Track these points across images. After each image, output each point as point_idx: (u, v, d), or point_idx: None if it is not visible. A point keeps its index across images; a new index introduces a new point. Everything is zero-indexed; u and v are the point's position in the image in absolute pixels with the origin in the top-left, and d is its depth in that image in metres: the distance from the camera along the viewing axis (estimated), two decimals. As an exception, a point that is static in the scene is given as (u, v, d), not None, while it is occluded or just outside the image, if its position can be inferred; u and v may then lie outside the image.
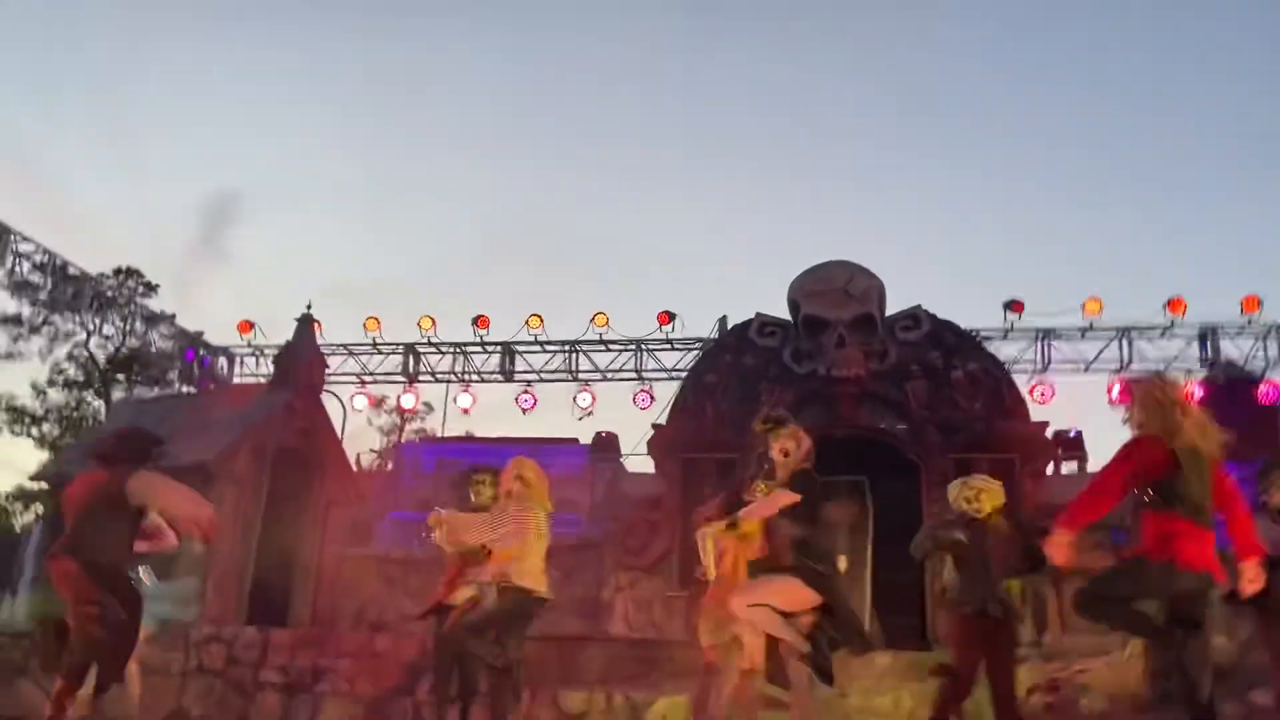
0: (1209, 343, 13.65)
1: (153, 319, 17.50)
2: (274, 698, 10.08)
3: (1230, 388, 16.23)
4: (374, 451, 26.28)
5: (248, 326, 15.08)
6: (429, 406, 20.63)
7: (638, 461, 15.39)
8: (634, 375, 14.67)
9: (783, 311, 12.33)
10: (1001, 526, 5.90)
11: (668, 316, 14.23)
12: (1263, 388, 14.36)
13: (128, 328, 15.95)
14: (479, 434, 24.62)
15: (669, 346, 14.52)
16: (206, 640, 10.09)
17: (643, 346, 14.64)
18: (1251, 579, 4.32)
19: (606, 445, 14.62)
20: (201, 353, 15.43)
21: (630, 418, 15.11)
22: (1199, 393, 14.13)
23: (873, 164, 58.03)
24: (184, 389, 17.94)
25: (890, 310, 12.11)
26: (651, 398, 14.24)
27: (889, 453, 11.68)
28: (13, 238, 12.43)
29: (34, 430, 24.73)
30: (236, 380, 15.54)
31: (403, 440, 22.85)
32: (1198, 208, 56.33)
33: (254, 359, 15.44)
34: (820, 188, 59.30)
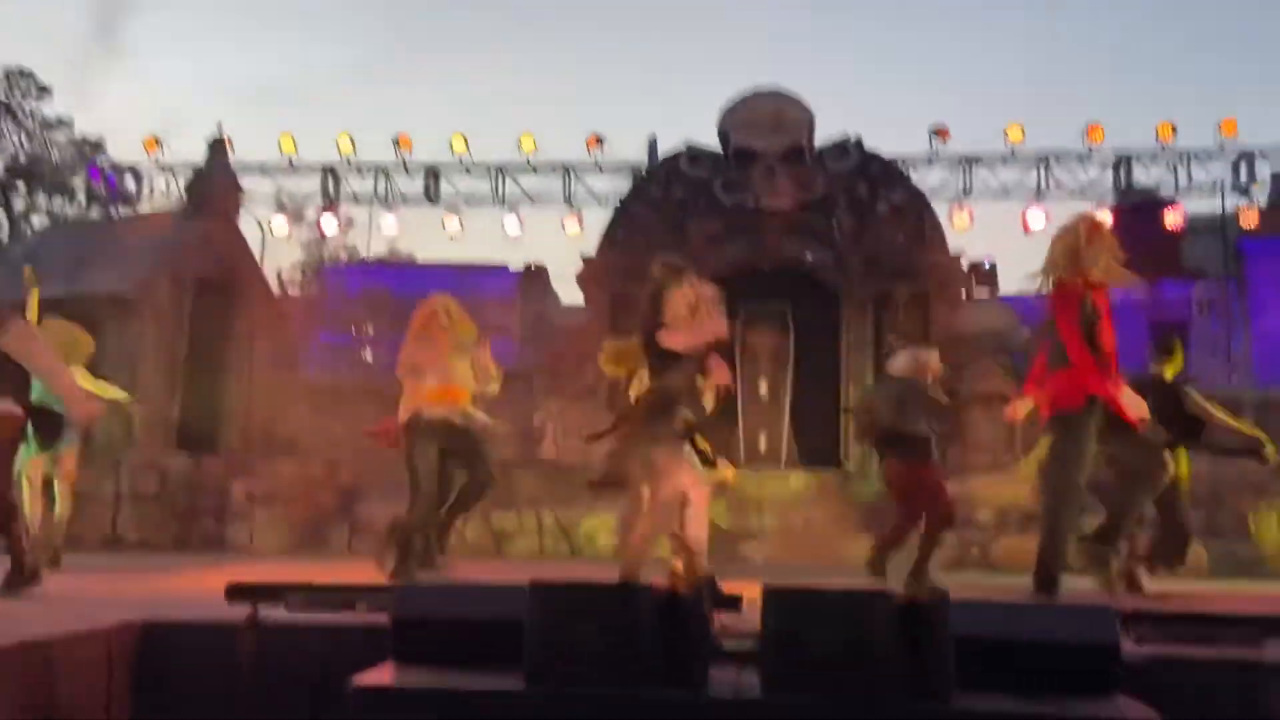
0: (1122, 170, 13.97)
1: (48, 125, 16.52)
2: (210, 521, 10.36)
3: (1138, 211, 16.85)
4: (295, 271, 25.86)
5: (154, 144, 14.38)
6: (351, 222, 20.17)
7: (566, 287, 15.53)
8: (562, 200, 14.52)
9: (712, 140, 12.23)
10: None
11: (597, 140, 13.96)
12: (1169, 212, 14.93)
13: (21, 134, 15.02)
14: (404, 257, 24.38)
15: (598, 171, 14.33)
16: (138, 467, 10.21)
17: (571, 171, 14.43)
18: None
19: (535, 276, 14.62)
20: (107, 170, 14.71)
21: (559, 243, 15.07)
22: (1110, 218, 14.63)
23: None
24: (86, 202, 17.25)
25: (819, 140, 12.10)
26: (580, 223, 14.19)
27: (812, 282, 11.98)
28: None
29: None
30: (145, 200, 14.96)
31: (326, 263, 22.39)
32: (1115, 36, 56.09)
33: (164, 179, 14.81)
34: (749, 5, 57.23)
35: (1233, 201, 14.60)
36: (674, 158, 12.32)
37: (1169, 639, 2.93)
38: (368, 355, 17.55)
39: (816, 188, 11.89)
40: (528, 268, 15.03)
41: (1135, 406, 4.93)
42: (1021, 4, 57.26)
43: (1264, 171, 13.80)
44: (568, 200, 14.46)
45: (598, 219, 13.95)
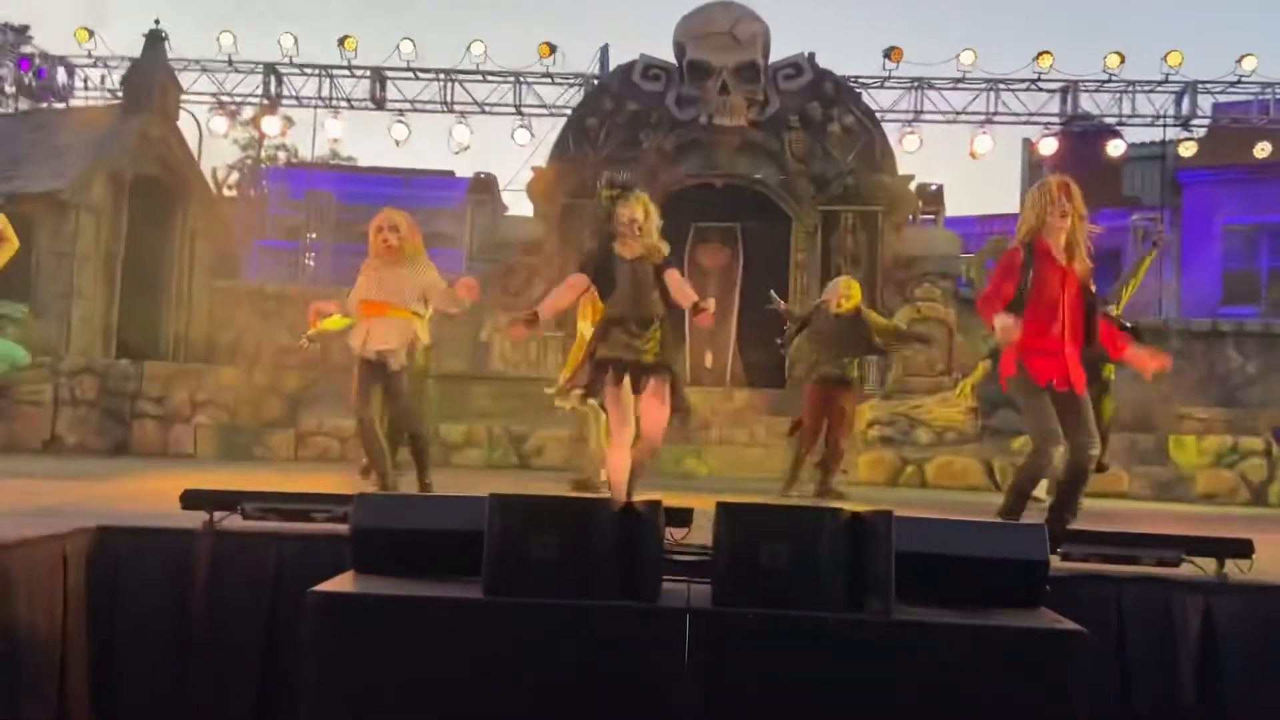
0: (1069, 97, 14.11)
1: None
2: (152, 427, 10.24)
3: (1081, 139, 17.10)
4: (232, 169, 25.08)
5: (86, 34, 13.77)
6: (290, 121, 19.56)
7: (516, 197, 15.34)
8: (513, 109, 14.26)
9: (667, 53, 12.06)
10: (853, 318, 7.07)
11: (549, 48, 13.67)
12: (1111, 141, 15.18)
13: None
14: (349, 161, 23.77)
15: (549, 81, 14.07)
16: (77, 371, 10.02)
17: (522, 79, 14.14)
18: None
19: (485, 186, 14.41)
20: (37, 62, 14.06)
21: (509, 152, 14.86)
22: (1054, 144, 14.84)
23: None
24: (13, 95, 16.50)
25: (775, 56, 11.99)
26: (531, 133, 13.98)
27: (762, 201, 12.00)
28: None
29: None
30: (78, 95, 14.35)
31: (264, 164, 21.77)
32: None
33: (98, 72, 14.21)
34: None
35: (1174, 132, 14.91)
36: (628, 69, 12.13)
37: (1094, 558, 3.12)
38: (309, 260, 17.26)
39: (770, 105, 11.82)
40: (477, 177, 14.79)
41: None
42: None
43: (1206, 105, 14.06)
44: (518, 109, 14.22)
45: (548, 130, 13.80)
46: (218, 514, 3.72)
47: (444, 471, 9.02)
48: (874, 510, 2.87)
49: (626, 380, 4.69)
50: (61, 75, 14.18)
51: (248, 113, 17.07)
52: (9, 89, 17.38)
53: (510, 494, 3.10)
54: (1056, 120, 14.48)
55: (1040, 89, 13.95)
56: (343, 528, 3.40)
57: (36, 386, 10.41)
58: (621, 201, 4.74)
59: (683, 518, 3.66)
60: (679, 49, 11.73)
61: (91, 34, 13.72)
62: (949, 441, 10.20)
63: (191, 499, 3.86)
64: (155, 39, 11.79)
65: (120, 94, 12.52)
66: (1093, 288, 4.39)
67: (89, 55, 14.05)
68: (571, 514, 3.10)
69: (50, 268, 10.32)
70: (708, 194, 11.81)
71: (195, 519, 3.72)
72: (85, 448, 9.71)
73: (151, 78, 11.39)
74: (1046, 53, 13.60)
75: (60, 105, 14.09)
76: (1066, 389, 4.23)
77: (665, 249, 4.66)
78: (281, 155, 30.95)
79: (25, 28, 15.04)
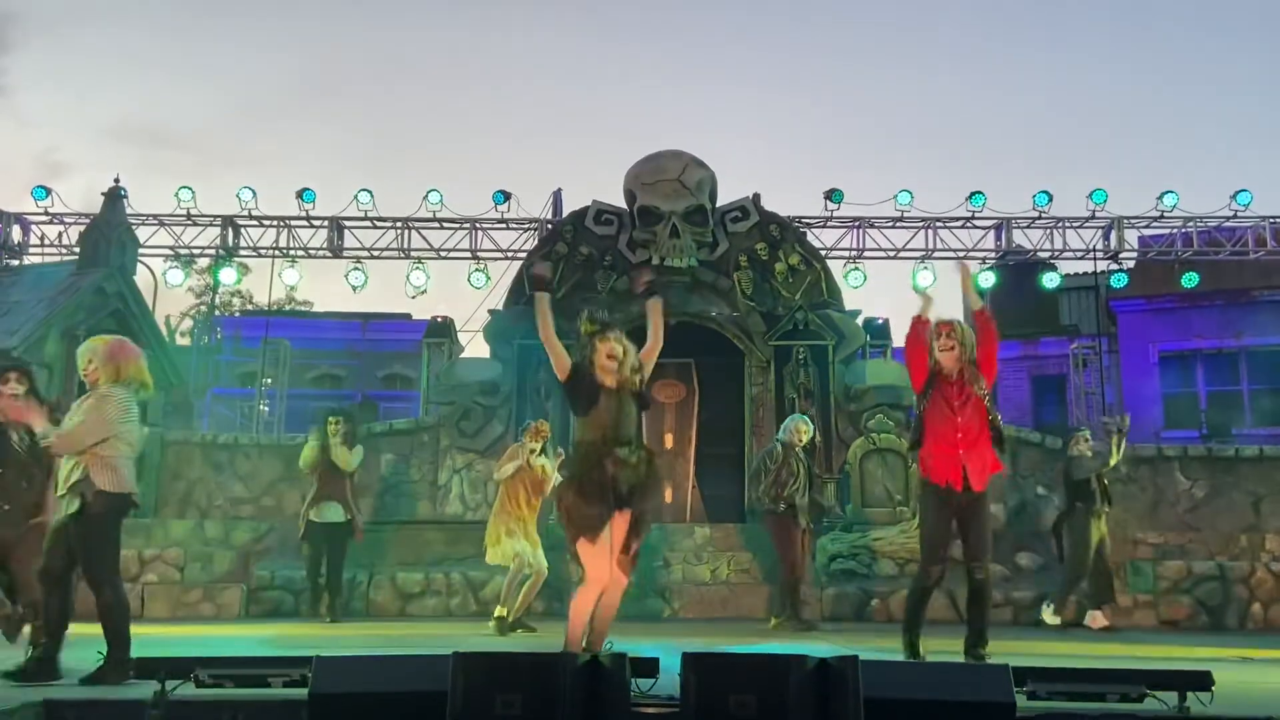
0: (1004, 233, 14.76)
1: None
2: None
3: (1017, 271, 17.82)
4: (185, 316, 25.07)
5: (45, 192, 13.94)
6: (247, 269, 19.71)
7: (473, 339, 15.49)
8: (469, 254, 14.56)
9: (617, 197, 12.49)
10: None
11: (504, 197, 14.09)
12: (1046, 274, 15.87)
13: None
14: (305, 306, 23.97)
15: (504, 226, 14.44)
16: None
17: (477, 225, 14.50)
18: None
19: (441, 329, 14.55)
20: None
21: (465, 294, 15.05)
22: (992, 278, 15.48)
23: (708, 51, 57.72)
24: None
25: (722, 200, 12.48)
26: (486, 276, 14.25)
27: (715, 337, 12.26)
28: None
29: None
30: (33, 251, 14.42)
31: (221, 313, 21.83)
32: (996, 109, 59.29)
33: (54, 228, 14.31)
34: (653, 67, 58.61)
35: (1104, 265, 15.61)
36: (580, 214, 12.52)
37: (1059, 695, 3.13)
38: (264, 407, 17.10)
39: (718, 247, 12.24)
40: (434, 320, 14.94)
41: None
42: (913, 77, 60.06)
43: (1132, 238, 14.77)
44: (474, 254, 14.52)
45: (503, 272, 14.09)
46: (170, 682, 3.61)
47: (399, 623, 8.82)
48: (840, 656, 2.88)
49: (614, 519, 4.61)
50: (16, 232, 14.26)
51: (203, 263, 17.22)
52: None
53: (473, 651, 3.07)
54: (993, 255, 15.12)
55: (975, 226, 14.60)
56: (301, 692, 3.32)
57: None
58: (600, 338, 4.78)
59: (648, 668, 3.62)
60: (629, 195, 12.17)
61: (50, 191, 13.88)
62: (912, 573, 10.19)
63: (145, 667, 3.75)
64: (114, 197, 11.97)
65: (76, 250, 12.63)
66: (987, 401, 5.30)
67: (45, 212, 14.17)
68: (536, 670, 3.06)
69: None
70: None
71: (146, 689, 3.60)
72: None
73: (109, 234, 11.53)
74: (978, 192, 14.32)
75: (14, 262, 14.13)
76: (962, 489, 5.14)
77: (642, 379, 4.71)
78: (236, 301, 31.12)
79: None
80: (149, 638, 6.56)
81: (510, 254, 14.37)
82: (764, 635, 7.59)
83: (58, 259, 13.29)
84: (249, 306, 26.57)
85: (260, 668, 3.72)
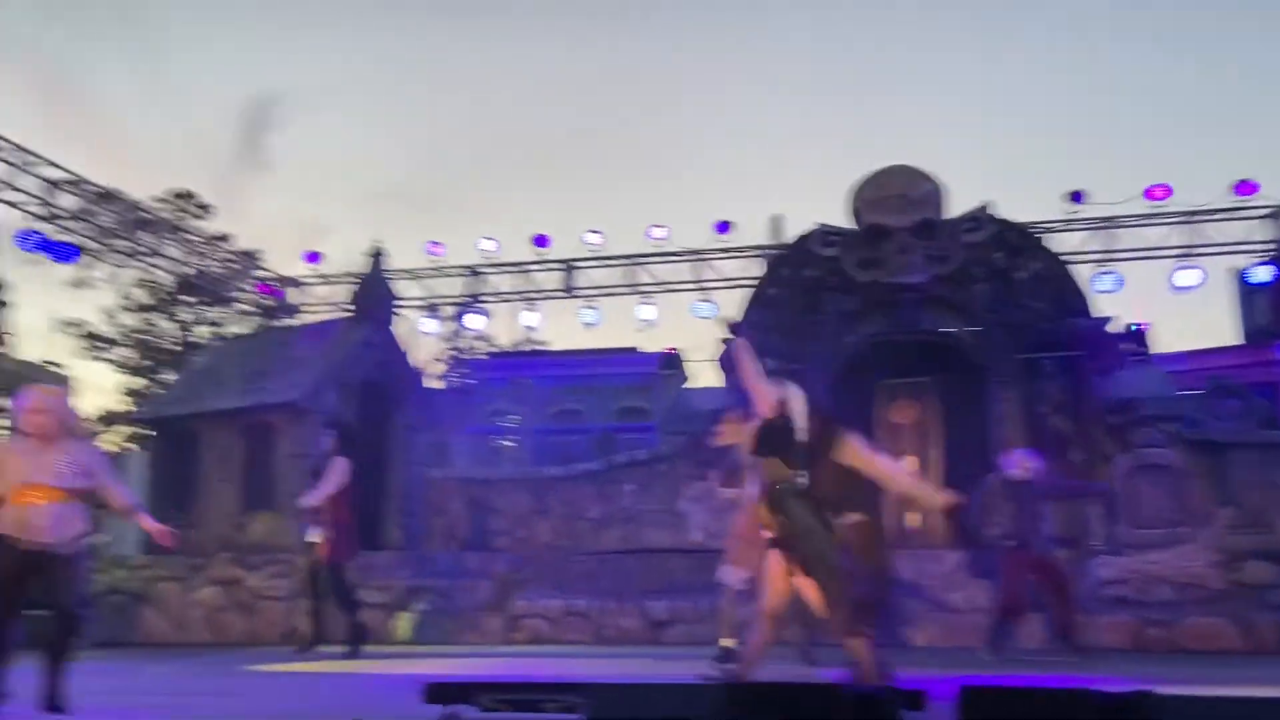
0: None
1: (211, 240, 17.97)
2: (378, 615, 10.74)
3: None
4: (436, 362, 26.97)
5: (314, 258, 15.55)
6: (489, 315, 21.07)
7: (703, 367, 15.72)
8: (693, 285, 14.81)
9: (836, 217, 12.34)
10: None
11: (726, 227, 14.28)
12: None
13: (187, 250, 16.43)
14: (541, 345, 25.17)
15: (728, 255, 14.60)
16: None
17: (701, 256, 14.74)
18: None
19: (672, 361, 14.85)
20: (274, 284, 15.97)
21: (692, 324, 15.31)
22: (1272, 270, 13.67)
23: (926, 60, 56.17)
24: (239, 306, 18.61)
25: (952, 212, 12.05)
26: (712, 305, 14.44)
27: (952, 355, 11.79)
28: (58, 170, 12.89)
29: (109, 354, 25.66)
30: (303, 305, 16.15)
31: (462, 355, 23.32)
32: (1266, 82, 53.81)
33: (323, 288, 15.96)
34: (871, 82, 57.61)
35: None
36: (805, 238, 12.43)
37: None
38: (511, 443, 18.02)
39: (951, 260, 11.78)
40: (666, 353, 15.28)
41: None
42: (1160, 62, 55.65)
43: None
44: (698, 284, 14.76)
45: (727, 301, 14.22)
46: (454, 707, 3.86)
47: (651, 650, 9.00)
48: (1134, 691, 2.68)
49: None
50: (293, 294, 15.97)
51: (449, 310, 18.51)
52: (241, 306, 19.69)
53: (741, 681, 3.10)
54: (1270, 247, 13.64)
55: (1246, 217, 13.28)
56: (573, 718, 3.45)
57: (272, 582, 11.22)
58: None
59: (914, 700, 3.52)
60: (855, 214, 11.98)
61: (319, 256, 15.47)
62: (1194, 599, 9.33)
63: (435, 692, 4.03)
64: (377, 256, 13.14)
65: (343, 306, 13.95)
66: None
67: (315, 274, 15.81)
68: (805, 698, 3.05)
69: (287, 470, 11.29)
70: (895, 350, 11.75)
71: (433, 712, 3.87)
72: (321, 638, 10.25)
73: (373, 291, 12.65)
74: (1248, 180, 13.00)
75: (291, 321, 15.81)
76: None
77: None
78: (479, 344, 33.15)
79: (256, 253, 17.14)
80: (421, 662, 7.07)
81: (735, 282, 14.50)
82: (1028, 665, 7.17)
83: (326, 315, 14.77)
84: (492, 349, 28.21)
85: (540, 693, 3.90)
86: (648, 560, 10.76)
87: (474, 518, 12.10)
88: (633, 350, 21.30)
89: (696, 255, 14.75)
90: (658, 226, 14.69)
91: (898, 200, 11.66)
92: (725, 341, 5.49)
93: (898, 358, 11.77)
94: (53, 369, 20.70)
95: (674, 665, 7.20)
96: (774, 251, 13.57)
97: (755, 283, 12.91)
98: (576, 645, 9.02)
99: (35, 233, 12.63)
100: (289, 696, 5.51)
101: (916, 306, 11.64)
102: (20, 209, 12.77)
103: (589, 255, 15.15)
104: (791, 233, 13.42)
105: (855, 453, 4.90)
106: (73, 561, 4.51)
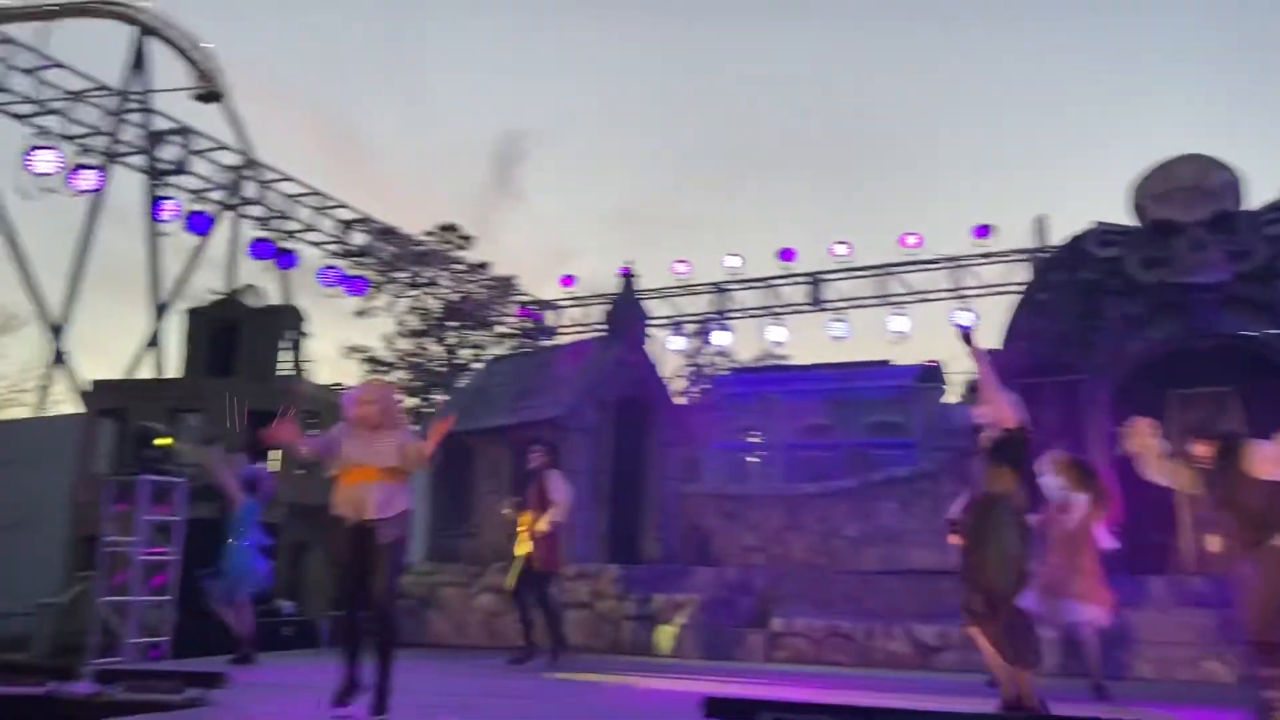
0: None
1: (473, 269, 19.16)
2: (635, 627, 10.91)
3: None
4: (682, 378, 27.38)
5: (568, 281, 16.30)
6: (733, 331, 21.28)
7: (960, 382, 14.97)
8: (950, 293, 14.16)
9: (1115, 215, 11.37)
10: None
11: (985, 230, 13.55)
12: None
13: (453, 278, 17.68)
14: (783, 360, 24.97)
15: (989, 261, 13.85)
16: (575, 577, 11.05)
17: (959, 263, 14.06)
18: None
19: (931, 374, 14.26)
20: (534, 307, 16.87)
21: (951, 335, 14.64)
22: None
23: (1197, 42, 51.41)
24: (499, 329, 19.75)
25: (1253, 204, 10.81)
26: (972, 313, 13.72)
27: (1259, 361, 10.54)
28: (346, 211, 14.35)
29: (388, 375, 27.98)
30: (559, 327, 16.92)
31: (710, 373, 23.54)
32: None
33: (576, 309, 16.66)
34: (1141, 69, 53.37)
35: None
36: (1079, 238, 11.53)
37: None
38: (758, 458, 17.94)
39: (1254, 255, 10.55)
40: (924, 366, 14.72)
41: None
42: None
43: None
44: (955, 292, 14.07)
45: (988, 309, 13.46)
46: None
47: (919, 673, 8.55)
48: None
49: None
50: (550, 316, 16.79)
51: (693, 327, 18.79)
52: (500, 329, 20.87)
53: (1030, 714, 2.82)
54: None
55: None
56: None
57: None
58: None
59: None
60: (1138, 210, 10.99)
61: (571, 279, 16.23)
62: None
63: (714, 707, 3.99)
64: (628, 278, 13.53)
65: (596, 326, 14.45)
66: None
67: (568, 296, 16.55)
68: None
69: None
70: (1189, 358, 10.65)
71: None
72: (586, 648, 10.54)
73: (625, 310, 12.99)
74: None
75: (548, 342, 16.58)
76: None
77: None
78: (720, 360, 33.43)
79: (513, 279, 18.12)
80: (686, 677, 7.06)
81: (997, 289, 13.72)
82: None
83: (580, 335, 15.38)
84: (733, 364, 28.32)
85: (825, 715, 3.77)
86: (913, 581, 10.29)
87: (727, 533, 12.09)
88: (885, 364, 20.62)
89: (954, 262, 14.10)
90: (910, 234, 14.19)
91: (1189, 192, 10.60)
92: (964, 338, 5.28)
93: (1192, 365, 10.65)
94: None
95: (950, 695, 6.78)
96: (1042, 254, 12.71)
97: (1021, 288, 12.12)
98: (842, 667, 8.72)
99: (334, 269, 14.13)
100: (577, 707, 5.65)
101: (1213, 308, 10.50)
102: (321, 248, 14.32)
103: (837, 267, 14.85)
104: (1058, 234, 12.54)
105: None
106: (394, 549, 4.99)
